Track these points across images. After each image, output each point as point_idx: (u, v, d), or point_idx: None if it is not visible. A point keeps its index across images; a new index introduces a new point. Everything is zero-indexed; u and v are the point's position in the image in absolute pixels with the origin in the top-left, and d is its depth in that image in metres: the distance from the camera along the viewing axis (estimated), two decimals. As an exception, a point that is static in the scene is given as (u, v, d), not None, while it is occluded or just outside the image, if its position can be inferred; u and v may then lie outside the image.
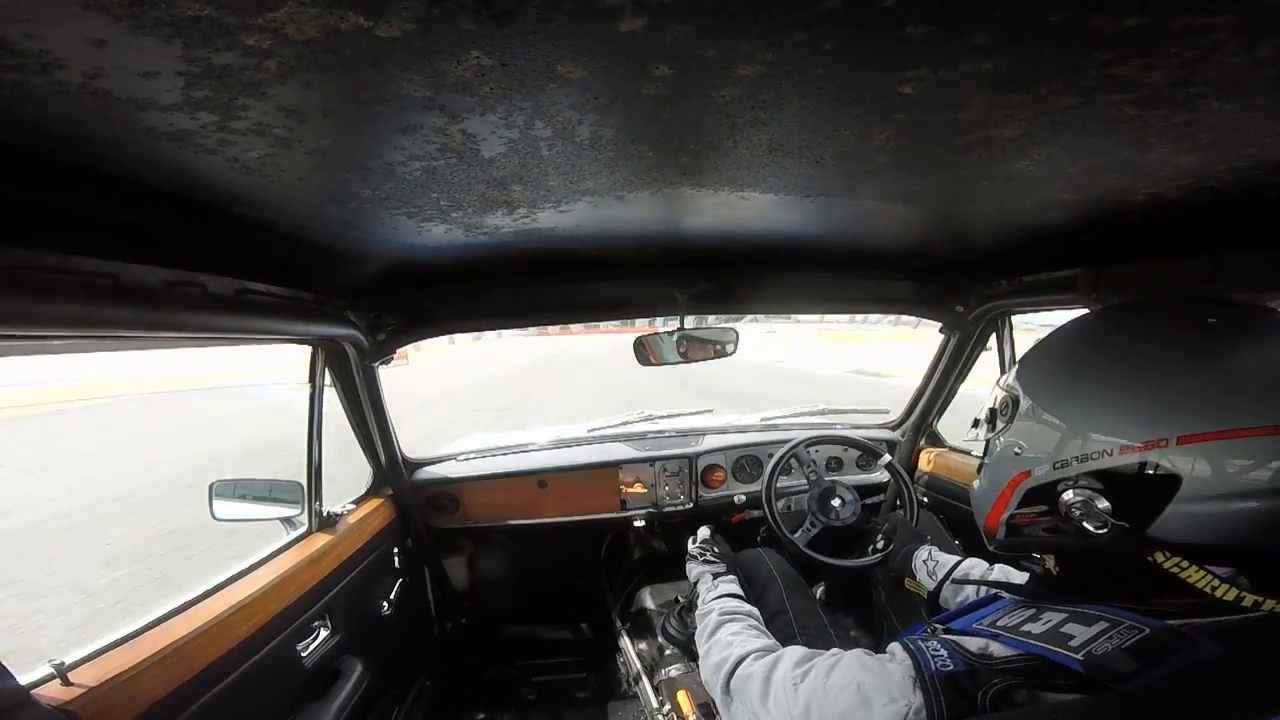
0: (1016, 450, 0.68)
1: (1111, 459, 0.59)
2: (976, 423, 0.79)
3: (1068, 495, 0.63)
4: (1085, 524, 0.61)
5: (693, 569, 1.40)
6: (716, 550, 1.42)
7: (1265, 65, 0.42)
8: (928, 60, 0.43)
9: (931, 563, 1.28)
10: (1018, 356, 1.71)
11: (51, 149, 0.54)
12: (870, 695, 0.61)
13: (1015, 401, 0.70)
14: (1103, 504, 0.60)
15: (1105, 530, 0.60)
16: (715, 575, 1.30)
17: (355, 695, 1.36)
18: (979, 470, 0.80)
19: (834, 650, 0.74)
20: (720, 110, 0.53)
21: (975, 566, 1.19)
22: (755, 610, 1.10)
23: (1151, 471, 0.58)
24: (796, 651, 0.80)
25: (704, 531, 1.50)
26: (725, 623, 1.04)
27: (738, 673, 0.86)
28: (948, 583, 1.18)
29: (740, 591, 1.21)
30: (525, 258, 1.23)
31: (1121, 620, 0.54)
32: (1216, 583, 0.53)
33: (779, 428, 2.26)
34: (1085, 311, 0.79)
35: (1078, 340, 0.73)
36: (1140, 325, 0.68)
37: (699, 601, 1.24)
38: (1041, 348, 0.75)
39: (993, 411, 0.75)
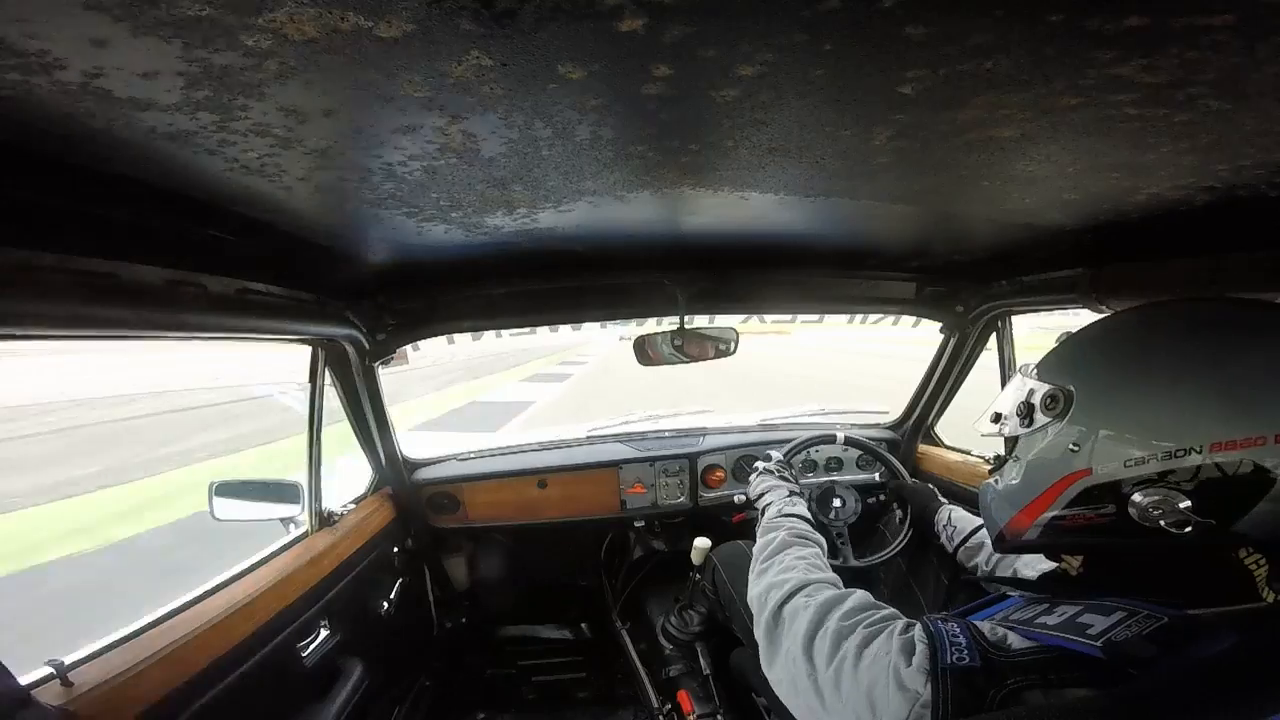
0: (1072, 447, 0.64)
1: (1201, 456, 0.56)
2: (998, 417, 0.75)
3: (1139, 496, 0.60)
4: (1162, 523, 0.58)
5: (764, 481, 1.30)
6: (792, 473, 1.34)
7: (1265, 65, 0.42)
8: (928, 60, 0.43)
9: (950, 528, 1.27)
10: (1017, 357, 1.74)
11: (52, 149, 0.54)
12: (895, 677, 0.59)
13: (1067, 396, 0.66)
14: (1184, 503, 0.57)
15: (1189, 530, 0.57)
16: (791, 493, 1.21)
17: (355, 695, 1.36)
18: (1001, 467, 0.76)
19: (887, 612, 0.71)
20: (720, 110, 0.52)
21: None
22: (824, 541, 1.03)
23: (1242, 469, 0.55)
24: (858, 597, 0.76)
25: (777, 454, 1.44)
26: (794, 545, 0.97)
27: (793, 601, 0.80)
28: (964, 546, 1.18)
29: (810, 518, 1.12)
30: (525, 258, 1.23)
31: (1139, 610, 0.54)
32: (1265, 578, 0.54)
33: (778, 428, 2.26)
34: (1131, 306, 0.75)
35: (1151, 333, 0.68)
36: (1224, 320, 0.64)
37: (762, 516, 1.16)
38: (1095, 340, 0.71)
39: (1028, 405, 0.70)
